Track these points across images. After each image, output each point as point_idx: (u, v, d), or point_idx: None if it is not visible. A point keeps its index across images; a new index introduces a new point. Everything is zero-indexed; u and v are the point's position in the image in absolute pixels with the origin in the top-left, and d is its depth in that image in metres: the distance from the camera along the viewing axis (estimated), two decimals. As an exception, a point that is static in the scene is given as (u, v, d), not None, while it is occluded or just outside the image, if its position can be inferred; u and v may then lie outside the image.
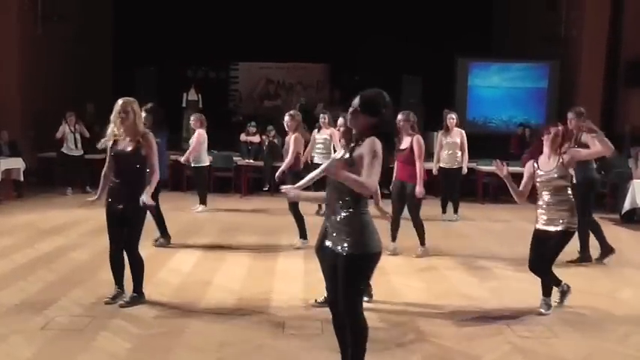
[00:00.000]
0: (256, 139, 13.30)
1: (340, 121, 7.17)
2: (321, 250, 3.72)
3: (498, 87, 16.01)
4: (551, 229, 5.32)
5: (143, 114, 7.26)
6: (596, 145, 6.18)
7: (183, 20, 16.79)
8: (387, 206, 7.02)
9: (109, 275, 5.50)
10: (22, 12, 13.17)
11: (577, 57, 14.55)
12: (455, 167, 10.01)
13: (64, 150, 12.30)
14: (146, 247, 7.27)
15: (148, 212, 5.70)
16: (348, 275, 3.52)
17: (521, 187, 5.47)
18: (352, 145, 3.55)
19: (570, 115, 7.03)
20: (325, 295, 5.32)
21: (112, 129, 5.25)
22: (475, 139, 11.84)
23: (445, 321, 5.17)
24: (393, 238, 7.47)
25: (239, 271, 6.70)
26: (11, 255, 7.11)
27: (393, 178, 7.53)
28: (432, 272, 6.83)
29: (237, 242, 8.15)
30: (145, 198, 5.17)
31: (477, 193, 12.42)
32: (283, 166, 7.94)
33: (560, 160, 5.36)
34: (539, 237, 5.40)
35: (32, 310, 5.16)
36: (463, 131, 10.12)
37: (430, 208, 9.06)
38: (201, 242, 8.06)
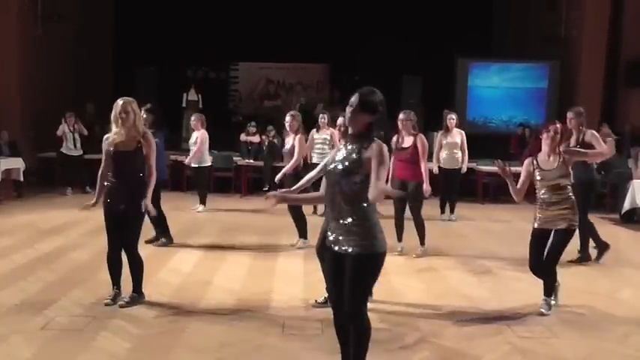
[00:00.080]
0: (256, 139, 13.30)
1: (340, 120, 7.16)
2: (322, 251, 3.71)
3: (498, 87, 16.02)
4: (553, 227, 5.31)
5: (143, 114, 7.30)
6: (602, 146, 6.28)
7: (183, 20, 16.80)
8: (388, 208, 7.05)
9: (109, 275, 5.49)
10: (22, 12, 13.17)
11: (577, 57, 14.55)
12: (455, 168, 10.02)
13: (63, 150, 12.30)
14: (146, 247, 7.28)
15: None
16: (357, 275, 3.51)
17: (518, 185, 5.45)
18: (356, 146, 3.52)
19: (570, 114, 7.03)
20: (325, 296, 5.35)
21: (115, 130, 5.23)
22: (475, 139, 11.86)
23: (445, 321, 5.17)
24: (399, 239, 7.47)
25: (239, 271, 6.70)
26: (11, 255, 7.11)
27: (390, 178, 7.50)
28: (432, 272, 6.83)
29: (237, 242, 8.16)
30: (147, 204, 5.19)
31: (477, 193, 12.42)
32: (288, 168, 7.76)
33: (561, 158, 5.35)
34: (539, 236, 5.39)
35: (32, 310, 5.15)
36: (463, 132, 10.13)
37: (430, 208, 9.05)
38: (202, 242, 8.06)
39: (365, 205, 3.49)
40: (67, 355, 4.32)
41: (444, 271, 6.90)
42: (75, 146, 12.32)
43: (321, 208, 8.56)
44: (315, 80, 19.37)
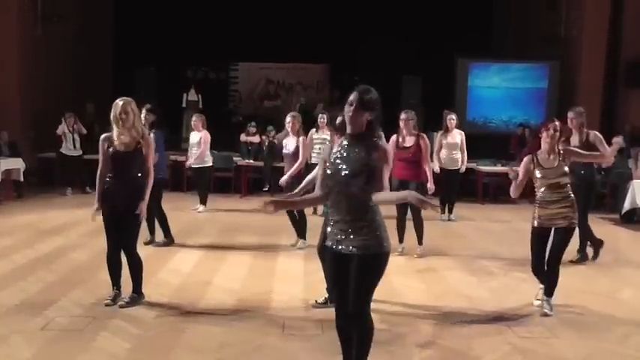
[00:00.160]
0: (256, 139, 13.30)
1: (340, 120, 7.15)
2: (324, 251, 3.70)
3: (498, 87, 16.01)
4: (553, 226, 5.31)
5: (144, 113, 7.30)
6: (605, 149, 6.37)
7: (183, 20, 16.79)
8: (388, 207, 7.04)
9: (109, 276, 5.49)
10: (22, 12, 13.16)
11: (577, 57, 14.54)
12: (454, 168, 10.02)
13: (62, 150, 12.29)
14: (146, 248, 7.29)
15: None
16: (363, 276, 3.51)
17: (517, 181, 5.47)
18: (361, 147, 3.51)
19: (572, 114, 7.03)
20: (326, 296, 5.36)
21: (115, 130, 5.22)
22: (475, 139, 11.85)
23: (445, 321, 5.17)
24: (400, 240, 7.47)
25: (239, 271, 6.70)
26: (11, 255, 7.11)
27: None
28: (432, 272, 6.83)
29: (237, 242, 8.15)
30: (142, 208, 5.20)
31: (477, 193, 12.41)
32: (293, 170, 7.64)
33: (560, 157, 5.35)
34: (539, 235, 5.38)
35: (32, 311, 5.15)
36: (462, 132, 10.14)
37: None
38: (202, 242, 8.06)
39: (371, 205, 3.50)
40: (67, 355, 4.32)
41: (444, 271, 6.90)
42: (74, 146, 12.32)
43: (320, 207, 8.55)
44: (315, 80, 19.37)
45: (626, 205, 10.05)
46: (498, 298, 5.88)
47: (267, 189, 12.41)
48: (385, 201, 3.56)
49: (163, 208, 7.76)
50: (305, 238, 7.71)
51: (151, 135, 7.22)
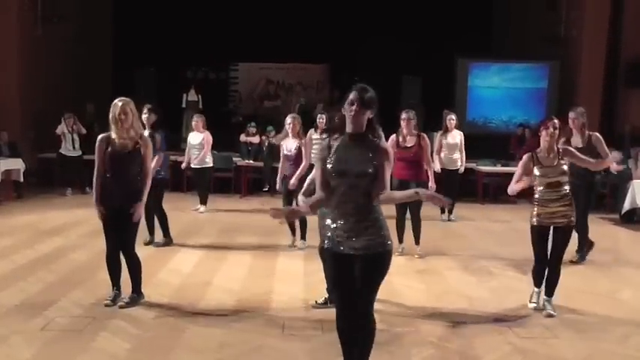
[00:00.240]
0: (256, 139, 13.30)
1: (337, 119, 7.14)
2: (325, 252, 3.69)
3: (498, 87, 16.01)
4: (552, 224, 5.31)
5: (146, 114, 7.30)
6: (606, 154, 6.51)
7: (183, 21, 16.79)
8: (388, 207, 7.03)
9: (109, 276, 5.49)
10: (22, 12, 13.16)
11: (577, 57, 14.54)
12: (454, 168, 10.02)
13: (62, 151, 12.30)
14: (146, 248, 7.29)
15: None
16: (368, 275, 3.51)
17: (515, 179, 5.47)
18: (365, 148, 3.51)
19: (573, 114, 7.02)
20: (326, 296, 5.36)
21: (115, 131, 5.21)
22: (475, 139, 11.85)
23: (445, 321, 5.17)
24: (400, 240, 7.46)
25: (239, 271, 6.70)
26: (11, 256, 7.11)
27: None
28: (432, 273, 6.82)
29: (237, 243, 8.15)
30: (140, 211, 5.19)
31: (476, 193, 12.41)
32: (299, 172, 7.58)
33: (560, 156, 5.35)
34: (539, 233, 5.37)
35: (32, 311, 5.15)
36: (462, 132, 10.14)
37: (429, 208, 9.01)
38: (202, 243, 8.06)
39: (374, 205, 3.51)
40: (66, 355, 4.32)
41: (444, 271, 6.90)
42: (74, 147, 12.32)
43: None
44: (315, 80, 19.36)
45: (626, 205, 10.05)
46: (498, 298, 5.88)
47: (267, 189, 12.41)
48: (394, 200, 3.57)
49: (164, 208, 7.77)
50: (305, 239, 7.71)
51: (157, 136, 7.27)
